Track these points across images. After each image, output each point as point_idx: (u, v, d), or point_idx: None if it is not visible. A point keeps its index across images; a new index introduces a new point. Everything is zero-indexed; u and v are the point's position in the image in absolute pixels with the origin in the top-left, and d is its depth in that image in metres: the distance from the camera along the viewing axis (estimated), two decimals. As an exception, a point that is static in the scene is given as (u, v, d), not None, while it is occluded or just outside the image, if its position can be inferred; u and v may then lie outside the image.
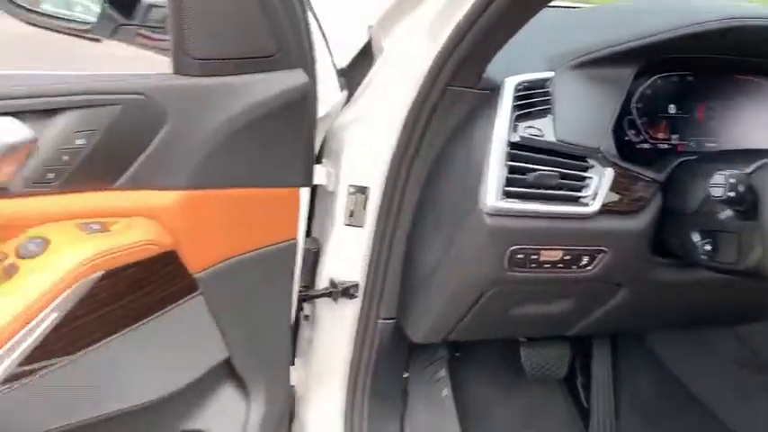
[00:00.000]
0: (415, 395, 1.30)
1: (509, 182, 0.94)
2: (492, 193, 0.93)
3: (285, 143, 0.84)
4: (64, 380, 0.71)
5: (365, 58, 1.00)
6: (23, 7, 0.91)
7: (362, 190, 0.95)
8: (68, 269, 0.68)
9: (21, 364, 0.66)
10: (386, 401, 1.20)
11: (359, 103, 0.98)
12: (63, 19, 0.95)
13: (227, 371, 0.91)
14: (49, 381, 0.69)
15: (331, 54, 0.95)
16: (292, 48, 0.81)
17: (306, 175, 0.91)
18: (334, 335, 1.03)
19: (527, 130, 0.95)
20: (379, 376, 1.08)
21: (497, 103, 0.94)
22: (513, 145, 0.94)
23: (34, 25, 0.92)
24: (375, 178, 0.94)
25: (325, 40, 0.93)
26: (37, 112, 0.70)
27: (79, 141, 0.72)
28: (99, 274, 0.70)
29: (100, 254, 0.70)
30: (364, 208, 0.95)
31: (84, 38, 0.99)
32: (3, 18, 0.92)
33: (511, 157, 0.94)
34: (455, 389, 1.33)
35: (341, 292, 0.98)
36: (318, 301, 1.01)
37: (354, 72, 0.99)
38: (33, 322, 0.66)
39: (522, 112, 0.95)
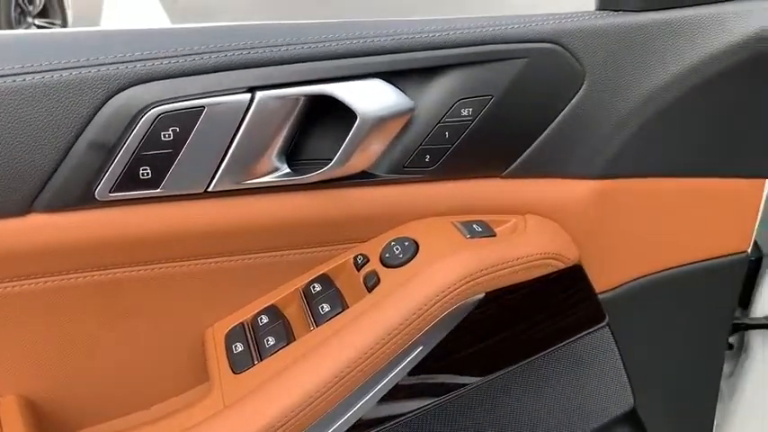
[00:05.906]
0: None
1: None
2: None
3: (761, 107, 0.61)
4: (431, 424, 0.56)
5: None
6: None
7: None
8: (439, 289, 0.52)
9: (380, 403, 0.53)
10: None
11: None
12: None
13: (630, 422, 0.70)
14: (413, 424, 0.55)
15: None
16: None
17: None
18: None
19: None
20: None
21: None
22: None
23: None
24: None
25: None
26: (414, 71, 0.55)
27: (465, 111, 0.56)
28: (478, 297, 0.54)
29: (484, 270, 0.53)
30: None
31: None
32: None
33: None
34: None
35: None
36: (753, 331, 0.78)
37: None
38: (394, 355, 0.52)
39: None
